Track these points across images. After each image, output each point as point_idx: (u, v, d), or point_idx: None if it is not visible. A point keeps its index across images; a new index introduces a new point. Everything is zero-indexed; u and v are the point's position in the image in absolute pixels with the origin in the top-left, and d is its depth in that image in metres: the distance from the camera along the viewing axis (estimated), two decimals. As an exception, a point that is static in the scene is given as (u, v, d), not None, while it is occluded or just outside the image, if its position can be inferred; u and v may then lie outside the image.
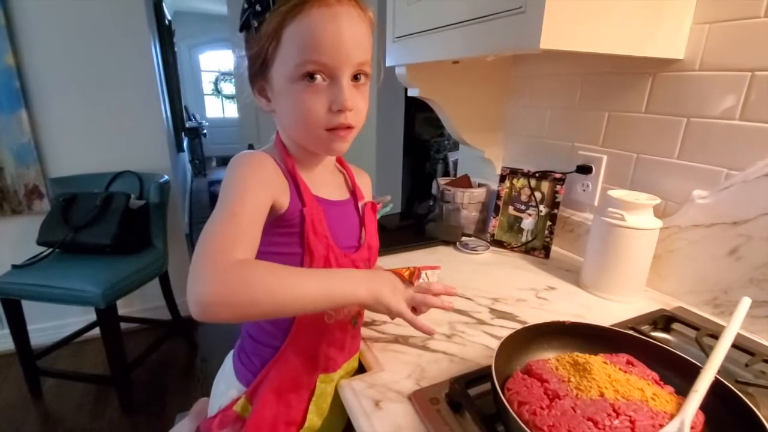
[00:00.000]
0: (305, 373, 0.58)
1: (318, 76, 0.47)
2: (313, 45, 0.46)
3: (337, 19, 0.46)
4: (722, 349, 0.49)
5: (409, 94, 1.09)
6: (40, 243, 1.65)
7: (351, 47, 0.47)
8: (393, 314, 0.50)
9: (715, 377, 0.46)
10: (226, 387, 0.61)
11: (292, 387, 0.58)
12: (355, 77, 0.50)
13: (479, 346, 0.66)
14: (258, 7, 0.47)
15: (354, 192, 0.62)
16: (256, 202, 0.47)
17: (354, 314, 0.61)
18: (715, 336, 0.60)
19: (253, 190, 0.47)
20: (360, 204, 0.62)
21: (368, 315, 0.74)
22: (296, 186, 0.53)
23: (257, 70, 0.51)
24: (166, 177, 1.86)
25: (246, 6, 0.49)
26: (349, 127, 0.50)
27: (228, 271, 0.40)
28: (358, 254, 0.59)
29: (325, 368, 0.59)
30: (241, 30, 0.51)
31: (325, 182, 0.58)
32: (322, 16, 0.45)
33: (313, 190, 0.54)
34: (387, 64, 1.04)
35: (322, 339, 0.58)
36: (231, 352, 0.65)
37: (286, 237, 0.51)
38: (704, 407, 0.44)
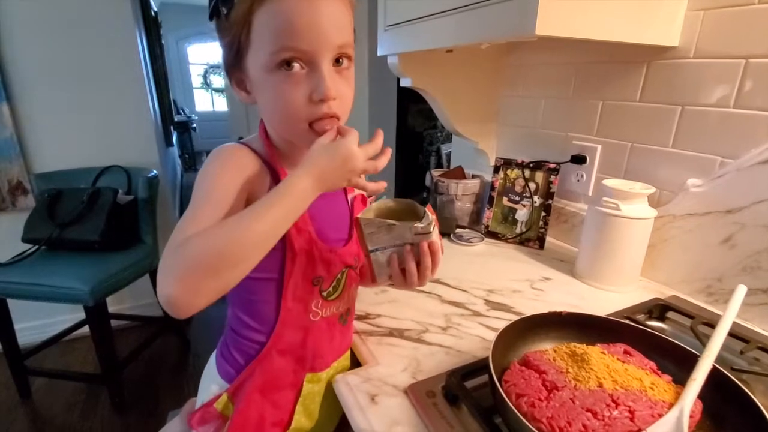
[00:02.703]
0: (291, 372, 0.56)
1: (295, 64, 0.44)
2: (287, 30, 0.42)
3: (305, 4, 0.42)
4: (719, 337, 0.49)
5: (402, 84, 1.07)
6: (25, 240, 1.61)
7: (329, 29, 0.43)
8: (351, 184, 0.46)
9: (713, 365, 0.46)
10: (209, 382, 0.60)
11: (277, 386, 0.56)
12: (337, 61, 0.46)
13: (475, 338, 0.65)
14: None
15: None
16: (225, 201, 0.44)
17: (342, 312, 0.59)
18: (710, 324, 0.60)
19: (222, 187, 0.45)
20: (350, 197, 0.59)
21: (362, 309, 0.73)
22: (276, 178, 0.50)
23: (232, 60, 0.47)
24: (155, 172, 1.83)
25: None
26: (333, 117, 0.46)
27: (172, 257, 0.39)
28: (347, 248, 0.57)
29: (312, 367, 0.57)
30: (211, 18, 0.47)
31: None
32: (285, 1, 0.42)
33: None
34: (379, 54, 1.02)
35: (308, 336, 0.56)
36: (215, 350, 0.63)
37: None
38: (702, 395, 0.43)
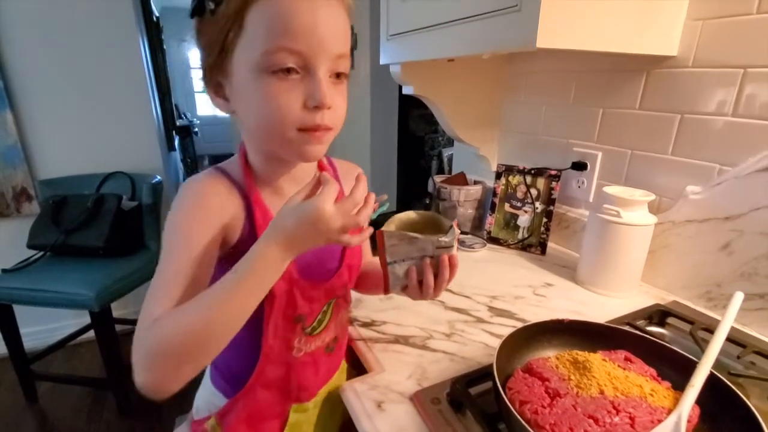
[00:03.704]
0: (276, 403, 0.55)
1: (291, 67, 0.40)
2: (284, 29, 0.39)
3: (312, 1, 0.40)
4: (716, 344, 0.50)
5: (404, 92, 1.09)
6: (30, 246, 1.62)
7: (328, 35, 0.41)
8: (332, 242, 0.42)
9: (710, 371, 0.47)
10: (204, 390, 0.59)
11: (263, 417, 0.55)
12: (336, 75, 0.44)
13: (479, 344, 0.66)
14: None
15: None
16: (195, 261, 0.41)
17: (329, 342, 0.57)
18: (709, 329, 0.62)
19: (191, 244, 0.41)
20: None
21: (367, 315, 0.74)
22: (249, 207, 0.46)
23: (214, 61, 0.43)
24: (159, 177, 1.84)
25: None
26: (326, 129, 0.44)
27: (142, 344, 0.37)
28: (336, 279, 0.53)
29: (297, 398, 0.56)
30: (192, 15, 0.43)
31: None
32: None
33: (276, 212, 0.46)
34: (381, 62, 1.04)
35: (291, 371, 0.54)
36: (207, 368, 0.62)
37: None
38: (699, 400, 0.45)
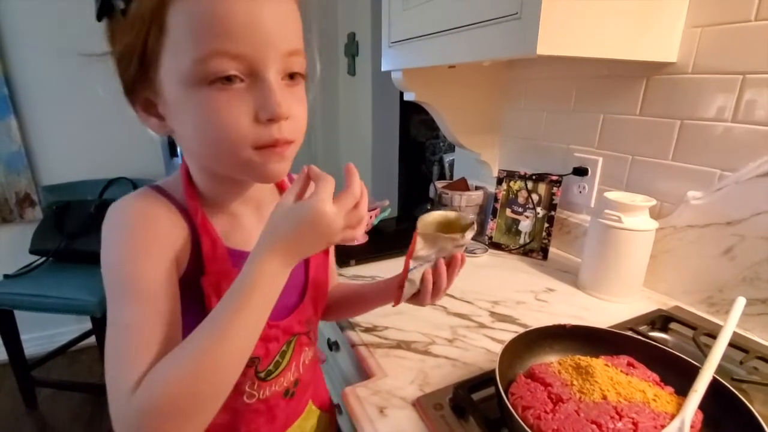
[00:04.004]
0: None
1: (232, 74, 0.33)
2: (218, 27, 0.32)
3: None
4: (719, 349, 0.50)
5: (405, 98, 1.10)
6: (32, 252, 1.63)
7: (274, 29, 0.34)
8: (334, 243, 0.38)
9: (713, 376, 0.47)
10: None
11: None
12: (289, 76, 0.37)
13: (481, 350, 0.66)
14: None
15: None
16: (156, 288, 0.34)
17: (288, 385, 0.49)
18: (712, 335, 0.61)
19: (148, 270, 0.34)
20: None
21: (369, 321, 0.74)
22: (194, 231, 0.39)
23: (135, 74, 0.35)
24: (161, 183, 1.85)
25: None
26: (286, 143, 0.37)
27: (131, 413, 0.30)
28: (296, 315, 0.47)
29: None
30: (99, 17, 0.37)
31: (252, 224, 0.44)
32: None
33: (228, 239, 0.41)
34: (383, 69, 1.05)
35: (240, 420, 0.45)
36: None
37: (190, 310, 0.37)
38: (702, 405, 0.45)
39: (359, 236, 0.40)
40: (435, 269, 0.48)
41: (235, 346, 0.32)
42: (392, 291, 0.53)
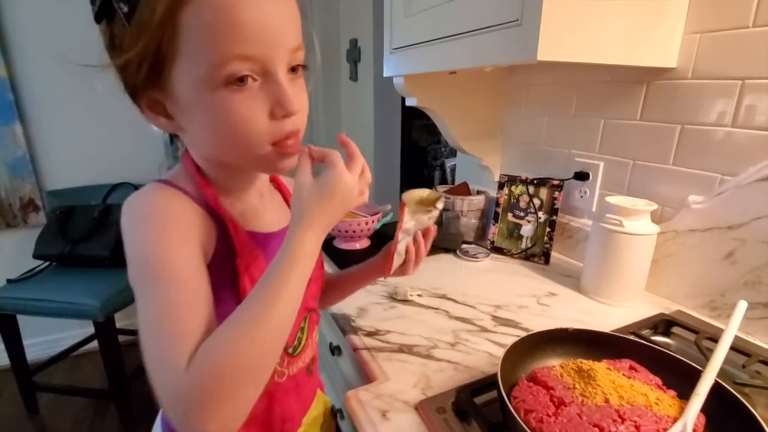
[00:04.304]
0: None
1: (249, 78, 0.35)
2: (231, 32, 0.33)
3: None
4: (721, 352, 0.50)
5: (407, 103, 1.10)
6: (36, 256, 1.64)
7: (282, 28, 0.35)
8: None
9: (715, 380, 0.47)
10: None
11: None
12: (292, 69, 0.38)
13: (483, 353, 0.66)
14: None
15: None
16: (192, 271, 0.35)
17: (308, 362, 0.54)
18: (714, 339, 0.61)
19: (179, 255, 0.35)
20: None
21: (371, 325, 0.74)
22: (222, 226, 0.41)
23: (145, 77, 0.36)
24: (164, 188, 1.86)
25: None
26: (296, 133, 0.40)
27: (191, 386, 0.30)
28: (308, 292, 0.47)
29: (282, 430, 0.51)
30: (98, 20, 0.37)
31: (260, 209, 0.47)
32: None
33: (245, 223, 0.43)
34: (385, 75, 1.06)
35: (274, 402, 0.49)
36: (159, 415, 0.54)
37: (218, 292, 0.38)
38: (705, 409, 0.45)
39: (366, 199, 0.42)
40: (415, 240, 0.56)
41: (281, 315, 0.34)
42: (377, 268, 0.59)
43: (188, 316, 0.33)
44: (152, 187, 0.40)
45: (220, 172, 0.43)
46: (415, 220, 0.57)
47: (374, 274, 0.62)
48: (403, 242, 0.56)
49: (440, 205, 0.58)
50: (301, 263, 0.36)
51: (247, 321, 0.33)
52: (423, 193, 0.61)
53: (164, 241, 0.36)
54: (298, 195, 0.38)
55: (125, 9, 0.33)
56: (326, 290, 0.64)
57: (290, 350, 0.49)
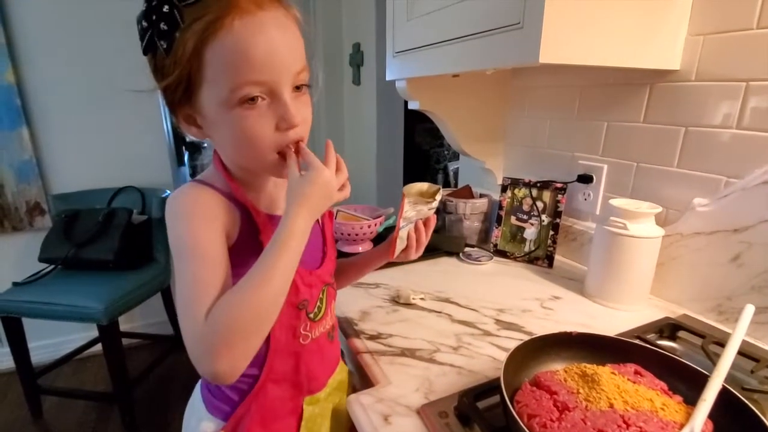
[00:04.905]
0: (289, 399, 0.56)
1: (258, 98, 0.43)
2: (245, 64, 0.41)
3: (264, 29, 0.41)
4: (728, 357, 0.49)
5: (410, 107, 1.11)
6: (41, 260, 1.65)
7: (286, 57, 0.43)
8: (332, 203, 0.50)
9: (723, 385, 0.46)
10: (197, 422, 0.57)
11: (277, 416, 0.55)
12: (296, 88, 0.46)
13: (486, 357, 0.66)
14: (163, 26, 0.41)
15: None
16: (217, 257, 0.44)
17: (329, 329, 0.60)
18: (721, 343, 0.61)
19: (207, 244, 0.44)
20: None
21: (374, 328, 0.74)
22: (246, 212, 0.49)
23: (180, 99, 0.45)
24: (168, 191, 1.87)
25: (145, 24, 0.42)
26: (299, 141, 0.48)
27: (203, 334, 0.40)
28: (324, 268, 0.57)
29: (309, 390, 0.58)
30: (145, 53, 0.45)
31: (275, 196, 0.56)
32: (247, 28, 0.41)
33: (264, 208, 0.52)
34: (387, 78, 1.06)
35: (300, 361, 0.55)
36: (199, 383, 0.62)
37: (244, 268, 0.44)
38: (712, 415, 0.44)
39: (348, 194, 0.51)
40: (416, 228, 0.63)
41: (281, 278, 0.43)
42: (382, 255, 0.67)
43: (210, 282, 0.42)
44: (189, 186, 0.49)
45: (242, 171, 0.51)
46: (416, 210, 0.62)
47: (380, 258, 0.68)
48: (404, 229, 0.62)
49: (439, 197, 0.63)
50: (295, 238, 0.44)
51: (253, 282, 0.41)
52: (422, 186, 0.65)
53: (194, 227, 0.45)
54: (289, 186, 0.46)
55: (164, 45, 0.42)
56: (336, 273, 0.67)
57: (311, 315, 0.56)
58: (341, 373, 0.65)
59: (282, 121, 0.45)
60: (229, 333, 0.39)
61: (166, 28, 0.41)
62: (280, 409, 0.56)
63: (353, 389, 0.68)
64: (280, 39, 0.43)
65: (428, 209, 0.64)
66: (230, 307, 0.40)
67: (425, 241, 0.65)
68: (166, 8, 0.40)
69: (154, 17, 0.41)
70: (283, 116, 0.44)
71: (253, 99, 0.43)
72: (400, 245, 0.62)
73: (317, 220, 0.56)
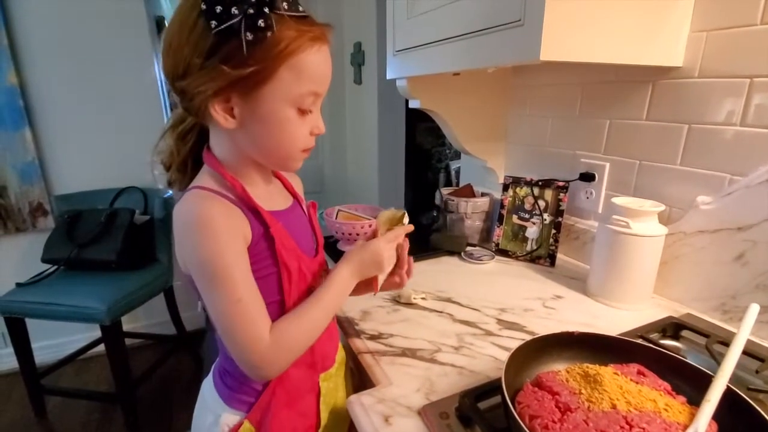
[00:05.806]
0: (307, 378, 0.62)
1: (308, 111, 0.51)
2: (313, 77, 0.49)
3: (325, 56, 0.50)
4: (733, 357, 0.49)
5: (411, 105, 1.10)
6: (44, 260, 1.65)
7: (330, 76, 0.52)
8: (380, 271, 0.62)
9: (727, 386, 0.45)
10: (215, 417, 0.59)
11: (299, 395, 0.61)
12: None
13: (488, 357, 0.66)
14: (261, 23, 0.43)
15: (295, 195, 0.64)
16: (244, 268, 0.50)
17: None
18: (725, 343, 0.60)
19: (234, 260, 0.48)
20: (304, 206, 0.65)
21: (374, 328, 0.74)
22: (253, 211, 0.53)
23: (243, 85, 0.46)
24: (170, 192, 1.87)
25: (236, 11, 0.42)
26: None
27: (273, 353, 0.50)
28: (320, 256, 0.63)
29: (323, 367, 0.63)
30: (217, 34, 0.44)
31: (271, 194, 0.59)
32: (324, 54, 0.50)
33: (264, 205, 0.54)
34: (388, 77, 1.06)
35: (315, 343, 0.58)
36: (205, 381, 0.65)
37: (259, 263, 0.52)
38: (716, 416, 0.43)
39: (393, 262, 0.64)
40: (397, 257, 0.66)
41: (329, 315, 0.57)
42: (365, 285, 0.65)
43: (249, 302, 0.49)
44: (198, 197, 0.50)
45: (243, 167, 0.54)
46: None
47: (362, 291, 0.67)
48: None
49: (406, 221, 0.67)
50: (342, 288, 0.58)
51: (310, 318, 0.54)
52: (390, 213, 0.69)
53: (221, 249, 0.48)
54: (352, 250, 0.60)
55: (250, 38, 0.44)
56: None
57: None
58: (341, 352, 0.70)
59: (315, 128, 0.53)
60: (292, 352, 0.52)
61: (262, 25, 0.43)
62: (301, 389, 0.61)
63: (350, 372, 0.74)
64: (329, 62, 0.52)
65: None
66: (295, 334, 0.52)
67: (405, 264, 0.66)
68: (266, 9, 0.43)
69: (251, 10, 0.43)
70: (317, 123, 0.53)
71: (309, 111, 0.51)
72: (381, 277, 0.64)
73: (303, 209, 0.64)
